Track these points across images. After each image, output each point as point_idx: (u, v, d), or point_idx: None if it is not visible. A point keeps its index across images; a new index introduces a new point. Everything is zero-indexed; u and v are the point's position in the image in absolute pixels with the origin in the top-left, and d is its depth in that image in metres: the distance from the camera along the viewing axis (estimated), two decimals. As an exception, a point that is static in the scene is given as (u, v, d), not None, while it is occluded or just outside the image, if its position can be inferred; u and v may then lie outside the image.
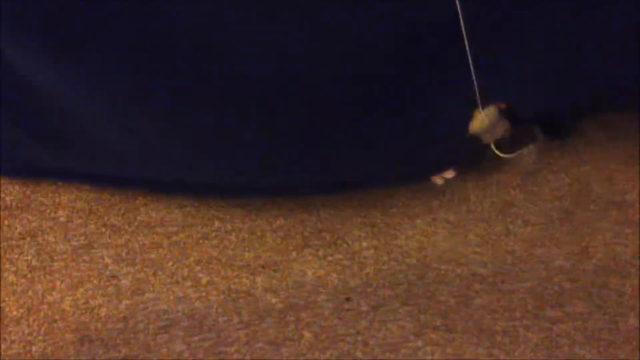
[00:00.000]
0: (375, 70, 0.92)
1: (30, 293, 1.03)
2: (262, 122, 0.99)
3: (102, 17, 0.89)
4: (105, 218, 1.11)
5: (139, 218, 1.11)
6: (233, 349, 0.98)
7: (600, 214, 1.15)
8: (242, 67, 0.94)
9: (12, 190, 1.13)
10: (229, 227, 1.11)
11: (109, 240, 1.08)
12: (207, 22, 0.90)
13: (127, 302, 1.03)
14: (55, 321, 1.00)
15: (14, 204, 1.12)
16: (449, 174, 1.14)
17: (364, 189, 1.16)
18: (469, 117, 1.00)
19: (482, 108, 0.98)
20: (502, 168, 1.20)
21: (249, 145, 1.03)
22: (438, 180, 1.16)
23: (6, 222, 1.10)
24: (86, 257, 1.06)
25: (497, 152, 1.05)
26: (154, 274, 1.05)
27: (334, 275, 1.07)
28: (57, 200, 1.12)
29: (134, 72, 0.94)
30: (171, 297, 1.03)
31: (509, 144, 1.10)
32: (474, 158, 1.14)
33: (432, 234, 1.12)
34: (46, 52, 0.92)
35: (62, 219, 1.10)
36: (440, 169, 1.13)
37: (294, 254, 1.09)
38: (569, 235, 1.12)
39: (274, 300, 1.03)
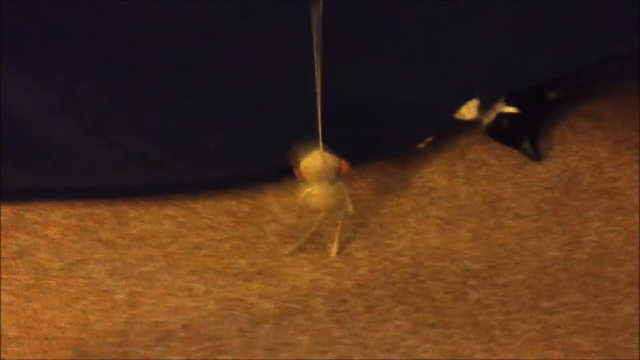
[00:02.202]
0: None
1: (27, 312, 1.03)
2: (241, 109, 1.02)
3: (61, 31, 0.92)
4: (98, 233, 1.11)
5: (131, 231, 1.11)
6: (230, 357, 0.98)
7: (590, 202, 1.15)
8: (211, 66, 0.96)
9: (4, 210, 1.13)
10: (221, 235, 1.11)
11: (102, 255, 1.09)
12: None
13: (124, 315, 1.03)
14: (53, 339, 1.00)
15: (6, 223, 1.12)
16: (429, 139, 1.18)
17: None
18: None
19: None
20: (490, 162, 1.21)
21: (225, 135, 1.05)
22: (420, 145, 1.19)
23: (0, 243, 1.10)
24: (81, 273, 1.07)
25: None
26: (150, 287, 1.05)
27: (329, 278, 1.07)
28: (49, 217, 1.12)
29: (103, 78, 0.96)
30: (167, 308, 1.03)
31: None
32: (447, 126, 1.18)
33: (423, 231, 1.12)
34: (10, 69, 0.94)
35: (55, 236, 1.10)
36: (423, 138, 1.17)
37: (287, 259, 1.09)
38: (560, 225, 1.13)
39: (270, 306, 1.04)
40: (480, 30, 1.01)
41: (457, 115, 1.12)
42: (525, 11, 1.00)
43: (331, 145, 0.98)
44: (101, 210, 1.13)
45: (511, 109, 1.15)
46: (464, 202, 1.16)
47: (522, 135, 1.19)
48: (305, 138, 1.07)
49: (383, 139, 1.14)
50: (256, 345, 1.00)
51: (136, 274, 1.06)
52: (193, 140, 1.07)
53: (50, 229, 1.11)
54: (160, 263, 1.08)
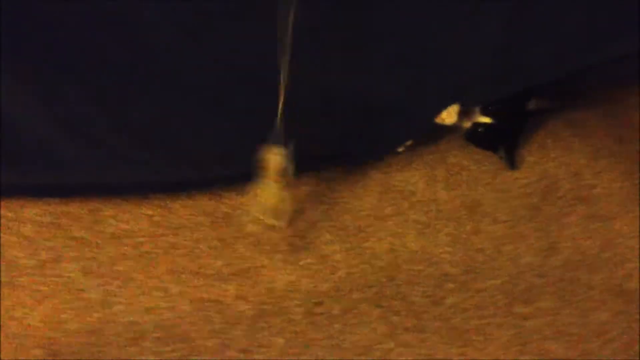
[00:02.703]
0: None
1: (-2, 309, 1.02)
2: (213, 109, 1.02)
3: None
4: (72, 231, 1.09)
5: (107, 230, 1.10)
6: (204, 358, 0.98)
7: (567, 209, 1.16)
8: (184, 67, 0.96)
9: (-24, 206, 1.11)
10: (198, 235, 1.10)
11: (76, 254, 1.07)
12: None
13: (96, 315, 1.01)
14: (23, 337, 0.99)
15: (-21, 220, 1.10)
16: (408, 142, 1.18)
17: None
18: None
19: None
20: (470, 167, 1.21)
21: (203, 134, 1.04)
22: (400, 148, 1.19)
23: (-28, 239, 1.08)
24: (54, 271, 1.05)
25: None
26: (123, 286, 1.04)
27: (305, 280, 1.06)
28: (23, 214, 1.10)
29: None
30: (141, 308, 1.02)
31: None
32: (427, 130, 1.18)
33: (402, 235, 1.12)
34: None
35: (28, 234, 1.08)
36: (403, 141, 1.17)
37: (264, 260, 1.08)
38: (537, 231, 1.13)
39: (245, 308, 1.03)
40: (461, 36, 1.01)
41: (437, 120, 1.12)
42: (510, 17, 1.00)
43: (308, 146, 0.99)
44: (76, 208, 1.11)
45: (486, 119, 1.15)
46: (443, 206, 1.16)
47: (498, 144, 1.20)
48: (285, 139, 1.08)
49: (363, 141, 1.14)
50: (231, 346, 0.99)
51: (110, 273, 1.05)
52: (173, 139, 1.06)
53: (24, 226, 1.09)
54: (135, 262, 1.06)
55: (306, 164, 1.16)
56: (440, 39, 1.01)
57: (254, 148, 1.04)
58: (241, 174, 1.15)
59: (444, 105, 1.10)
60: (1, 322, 0.99)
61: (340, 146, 1.14)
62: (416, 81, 1.05)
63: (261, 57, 0.94)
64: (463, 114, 1.12)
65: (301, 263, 1.08)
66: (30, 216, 1.10)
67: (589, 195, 1.18)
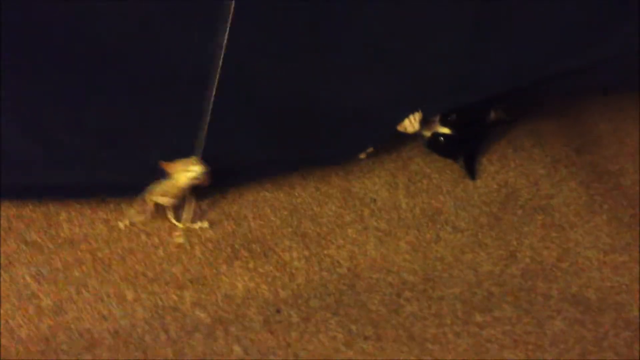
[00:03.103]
0: None
1: (-55, 316, 0.98)
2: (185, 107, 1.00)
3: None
4: (26, 235, 1.06)
5: (61, 234, 1.07)
6: (159, 366, 0.96)
7: (527, 218, 1.17)
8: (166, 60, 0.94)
9: None
10: (155, 240, 1.08)
11: (29, 258, 1.04)
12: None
13: (49, 322, 0.99)
14: (-29, 344, 0.96)
15: None
16: (370, 149, 1.18)
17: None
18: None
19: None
20: (431, 175, 1.21)
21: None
22: (361, 155, 1.19)
23: None
24: (5, 276, 1.02)
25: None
26: (77, 292, 1.02)
27: (264, 287, 1.05)
28: (-27, 217, 1.07)
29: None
30: (95, 315, 1.00)
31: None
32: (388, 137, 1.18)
33: (363, 242, 1.12)
34: None
35: (-21, 237, 1.06)
36: (363, 148, 1.17)
37: (223, 266, 1.07)
38: (497, 240, 1.14)
39: (202, 315, 1.01)
40: (425, 43, 1.02)
41: (400, 128, 1.12)
42: (471, 26, 1.01)
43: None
44: (30, 211, 1.08)
45: (445, 130, 1.16)
46: (404, 214, 1.16)
47: (458, 153, 1.21)
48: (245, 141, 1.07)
49: (323, 146, 1.13)
50: (187, 355, 0.97)
51: (63, 279, 1.03)
52: (132, 139, 1.04)
53: (-25, 230, 1.06)
54: (89, 268, 1.04)
55: (265, 169, 1.15)
56: (400, 46, 1.01)
57: (213, 150, 1.04)
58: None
59: (405, 113, 1.10)
60: (-52, 329, 0.96)
61: (300, 151, 1.13)
62: (376, 88, 1.05)
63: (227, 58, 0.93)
64: (424, 123, 1.13)
65: (260, 270, 1.07)
66: (-19, 219, 1.07)
67: (548, 204, 1.19)
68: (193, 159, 1.03)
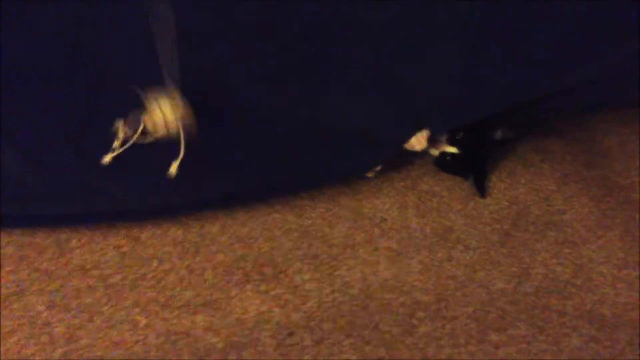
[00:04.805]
0: None
1: (-42, 346, 0.98)
2: None
3: None
4: (37, 263, 1.07)
5: (73, 261, 1.07)
6: (173, 393, 0.95)
7: (538, 235, 1.16)
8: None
9: (-63, 238, 1.08)
10: (167, 266, 1.08)
11: (41, 286, 1.04)
12: None
13: (61, 350, 0.98)
14: (-15, 374, 0.96)
15: (-60, 252, 1.07)
16: (378, 168, 1.18)
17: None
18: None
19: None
20: (441, 194, 1.21)
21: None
22: (369, 174, 1.19)
23: None
24: (17, 305, 1.02)
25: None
26: (90, 320, 1.02)
27: (276, 310, 1.05)
28: (-15, 246, 1.08)
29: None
30: (107, 342, 1.00)
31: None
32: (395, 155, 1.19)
33: (374, 263, 1.11)
34: None
35: (-9, 266, 1.06)
36: (371, 166, 1.17)
37: (234, 290, 1.06)
38: (509, 257, 1.13)
39: (214, 340, 1.01)
40: (425, 62, 1.02)
41: (407, 146, 1.12)
42: (473, 45, 1.01)
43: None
44: (41, 239, 1.09)
45: (452, 149, 1.16)
46: (415, 233, 1.16)
47: (467, 172, 1.21)
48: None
49: (330, 164, 1.13)
50: (200, 380, 0.97)
51: (76, 306, 1.03)
52: (132, 167, 1.04)
53: (-13, 259, 1.06)
54: (101, 295, 1.04)
55: (275, 190, 1.15)
56: (402, 65, 1.01)
57: (220, 174, 1.04)
58: (208, 200, 1.14)
59: (410, 131, 1.10)
60: (-39, 359, 0.96)
61: (308, 172, 1.13)
62: (380, 107, 1.05)
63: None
64: (431, 141, 1.13)
65: (272, 293, 1.06)
66: (-7, 248, 1.08)
67: (559, 220, 1.18)
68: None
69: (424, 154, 1.17)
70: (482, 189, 1.20)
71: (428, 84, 1.05)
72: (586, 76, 1.08)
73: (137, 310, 1.03)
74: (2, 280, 1.04)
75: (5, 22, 0.87)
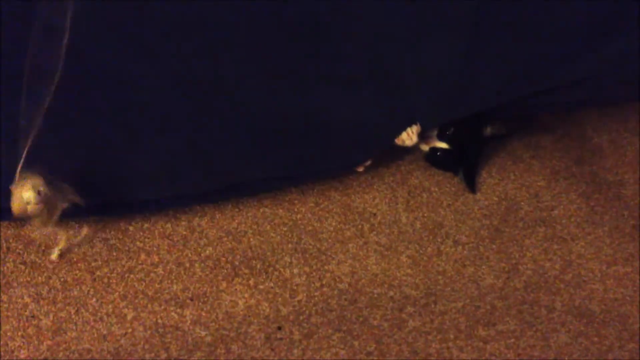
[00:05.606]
0: None
1: (-57, 338, 0.97)
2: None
3: None
4: (24, 255, 1.06)
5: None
6: (160, 386, 0.95)
7: (528, 231, 1.16)
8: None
9: None
10: (155, 259, 1.07)
11: (28, 279, 1.03)
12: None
13: (48, 342, 0.98)
14: (-30, 367, 0.95)
15: None
16: (368, 163, 1.18)
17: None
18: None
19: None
20: (431, 189, 1.21)
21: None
22: (359, 168, 1.19)
23: None
24: (3, 297, 1.01)
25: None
26: (77, 312, 1.01)
27: (265, 304, 1.04)
28: (-29, 238, 1.07)
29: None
30: (95, 335, 0.99)
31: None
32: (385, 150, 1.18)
33: (363, 257, 1.11)
34: None
35: (-23, 258, 1.05)
36: (361, 161, 1.17)
37: (223, 284, 1.06)
38: (498, 253, 1.13)
39: (203, 334, 1.00)
40: (420, 57, 1.02)
41: (397, 142, 1.11)
42: (466, 41, 1.01)
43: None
44: (28, 232, 1.08)
45: (442, 145, 1.16)
46: (404, 228, 1.15)
47: (457, 168, 1.20)
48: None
49: (321, 158, 1.13)
50: (188, 374, 0.96)
51: (62, 299, 1.02)
52: (123, 160, 1.03)
53: (-27, 251, 1.05)
54: (88, 287, 1.03)
55: (264, 185, 1.15)
56: (394, 60, 1.01)
57: (206, 168, 1.03)
58: (197, 194, 1.13)
59: (401, 126, 1.10)
60: (-54, 352, 0.95)
61: (297, 166, 1.13)
62: (370, 102, 1.05)
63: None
64: (421, 137, 1.13)
65: (261, 287, 1.06)
66: (-21, 240, 1.07)
67: (548, 216, 1.19)
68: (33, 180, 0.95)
69: (414, 149, 1.17)
70: (472, 185, 1.20)
71: (419, 80, 1.05)
72: (579, 74, 1.09)
73: (124, 303, 1.03)
74: (-12, 273, 1.03)
75: None
